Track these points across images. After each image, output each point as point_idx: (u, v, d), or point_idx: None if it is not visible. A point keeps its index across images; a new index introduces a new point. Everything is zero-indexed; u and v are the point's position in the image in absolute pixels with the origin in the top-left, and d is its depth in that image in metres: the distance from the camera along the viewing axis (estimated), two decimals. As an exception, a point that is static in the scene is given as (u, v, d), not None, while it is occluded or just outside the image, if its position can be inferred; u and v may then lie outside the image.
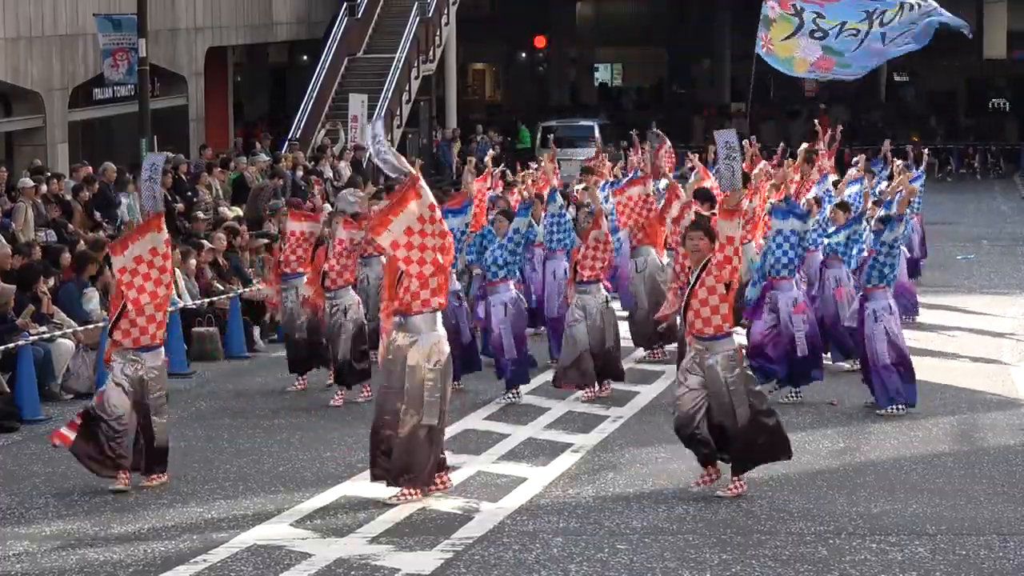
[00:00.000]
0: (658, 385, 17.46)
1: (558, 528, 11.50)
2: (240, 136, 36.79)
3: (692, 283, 12.21)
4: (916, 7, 24.45)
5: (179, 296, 19.22)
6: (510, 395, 16.54)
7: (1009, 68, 54.90)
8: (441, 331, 12.25)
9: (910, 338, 21.03)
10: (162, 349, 13.08)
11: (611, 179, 23.28)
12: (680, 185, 19.90)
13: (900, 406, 15.78)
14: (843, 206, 18.53)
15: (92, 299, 18.12)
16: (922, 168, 26.34)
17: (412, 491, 12.16)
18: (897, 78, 57.02)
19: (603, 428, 15.20)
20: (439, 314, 12.23)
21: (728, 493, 12.30)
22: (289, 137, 35.74)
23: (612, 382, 16.89)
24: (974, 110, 56.63)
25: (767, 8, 25.04)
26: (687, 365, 12.34)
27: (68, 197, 23.59)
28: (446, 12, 42.28)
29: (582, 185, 24.91)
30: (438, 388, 12.11)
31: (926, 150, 29.60)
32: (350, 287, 16.89)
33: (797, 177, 19.21)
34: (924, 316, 23.07)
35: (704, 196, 18.09)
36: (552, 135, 18.29)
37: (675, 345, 17.40)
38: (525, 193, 18.78)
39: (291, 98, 42.21)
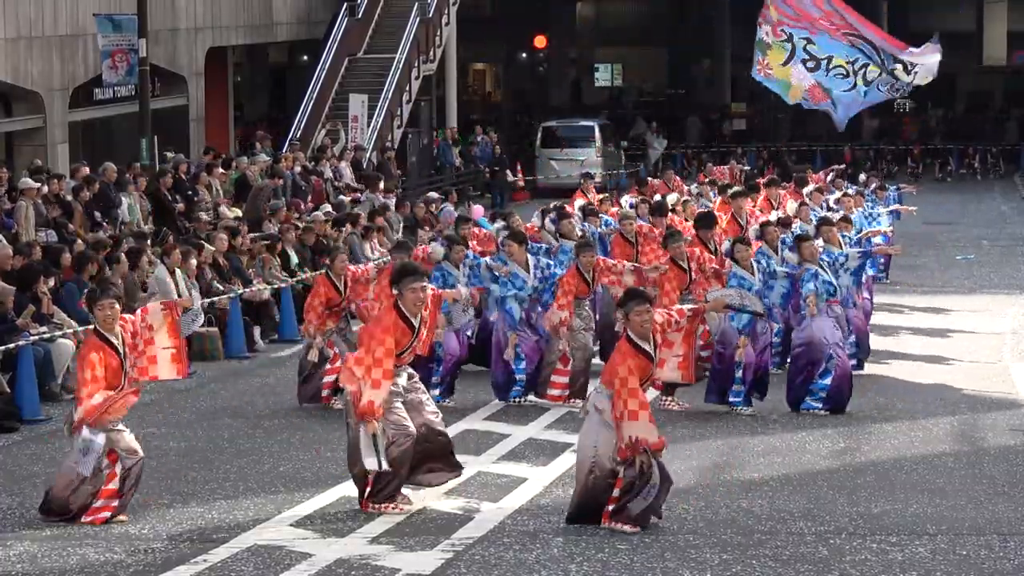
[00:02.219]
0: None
1: (558, 528, 11.50)
2: (265, 131, 36.76)
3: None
4: (893, 75, 25.02)
5: (179, 296, 19.21)
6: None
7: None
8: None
9: (910, 338, 21.14)
10: None
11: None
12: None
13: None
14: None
15: (92, 299, 18.11)
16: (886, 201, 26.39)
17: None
18: None
19: (603, 428, 15.19)
20: None
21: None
22: (289, 137, 35.75)
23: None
24: (876, 111, 55.18)
25: (762, 32, 25.32)
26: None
27: (68, 197, 23.60)
28: (446, 12, 42.29)
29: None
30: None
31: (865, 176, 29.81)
32: None
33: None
34: (924, 316, 23.09)
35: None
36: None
37: None
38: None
39: (291, 98, 42.23)
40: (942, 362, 19.29)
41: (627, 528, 11.27)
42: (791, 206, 23.08)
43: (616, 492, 11.36)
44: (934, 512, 12.04)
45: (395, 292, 12.07)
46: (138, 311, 12.69)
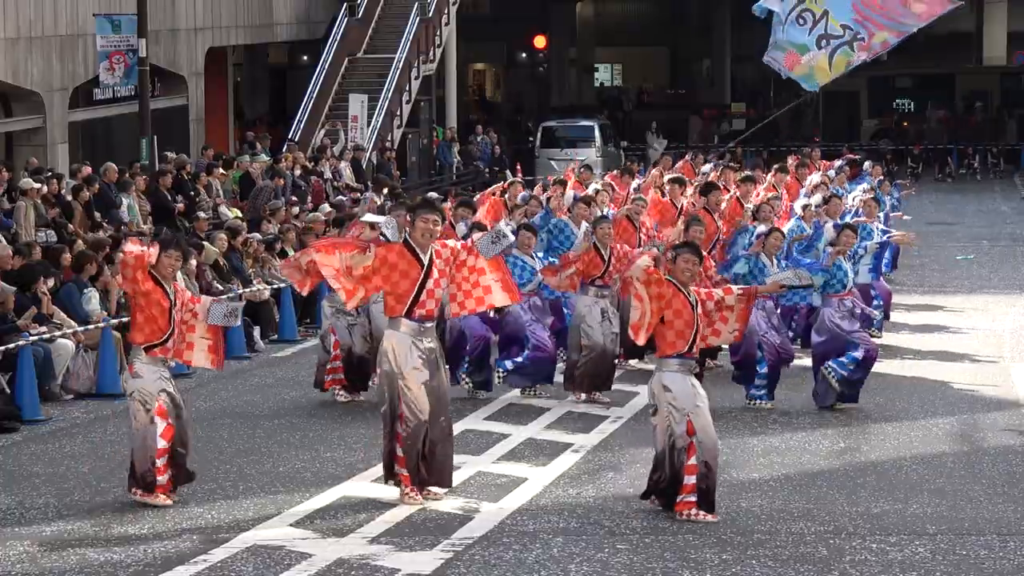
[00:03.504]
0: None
1: (558, 528, 11.51)
2: (265, 131, 36.74)
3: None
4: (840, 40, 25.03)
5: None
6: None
7: (913, 66, 53.74)
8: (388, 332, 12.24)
9: (910, 338, 21.14)
10: None
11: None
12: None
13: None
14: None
15: (92, 299, 18.12)
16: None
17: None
18: None
19: (603, 428, 15.21)
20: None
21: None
22: (289, 137, 35.74)
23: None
24: (877, 110, 54.32)
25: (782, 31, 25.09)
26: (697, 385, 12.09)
27: (68, 197, 23.60)
28: (446, 12, 42.29)
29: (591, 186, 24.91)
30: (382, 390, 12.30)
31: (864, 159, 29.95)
32: None
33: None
34: (925, 316, 23.08)
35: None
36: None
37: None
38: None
39: (291, 98, 42.22)
40: (942, 361, 19.28)
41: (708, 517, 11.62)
42: (814, 178, 23.22)
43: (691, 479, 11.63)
44: (934, 512, 12.04)
45: (408, 221, 12.30)
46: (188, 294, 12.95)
